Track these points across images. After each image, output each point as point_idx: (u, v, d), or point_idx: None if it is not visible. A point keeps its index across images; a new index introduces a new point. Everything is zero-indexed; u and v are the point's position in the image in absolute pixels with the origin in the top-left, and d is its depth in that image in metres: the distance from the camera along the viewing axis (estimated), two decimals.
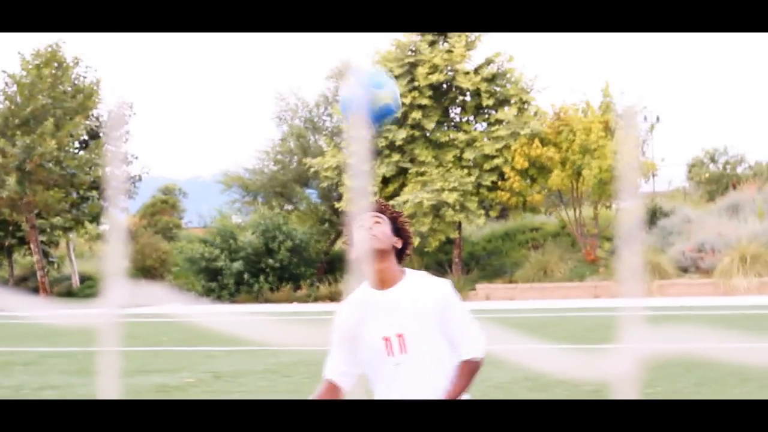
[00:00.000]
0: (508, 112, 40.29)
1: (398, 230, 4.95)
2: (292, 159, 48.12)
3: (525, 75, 41.16)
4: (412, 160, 40.78)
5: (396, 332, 4.81)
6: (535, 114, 40.82)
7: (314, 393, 4.98)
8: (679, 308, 27.75)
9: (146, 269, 46.41)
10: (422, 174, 40.20)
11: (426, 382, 4.83)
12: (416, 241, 39.80)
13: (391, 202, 40.18)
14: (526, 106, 41.04)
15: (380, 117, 4.91)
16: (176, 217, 61.75)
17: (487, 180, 40.03)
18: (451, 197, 38.93)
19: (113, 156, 0.90)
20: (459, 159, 40.56)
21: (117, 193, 1.06)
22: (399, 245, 4.94)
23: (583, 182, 38.87)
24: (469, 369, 4.96)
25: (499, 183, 40.30)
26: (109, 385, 1.05)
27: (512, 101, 40.78)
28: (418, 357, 4.83)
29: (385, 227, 4.86)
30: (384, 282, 4.88)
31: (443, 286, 5.02)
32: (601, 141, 38.34)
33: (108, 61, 1.12)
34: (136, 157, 48.79)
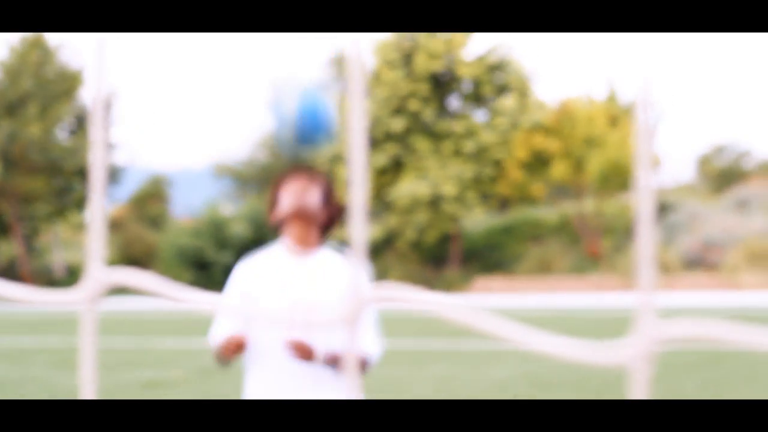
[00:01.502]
0: (508, 102, 40.26)
1: (328, 201, 4.71)
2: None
3: (526, 65, 41.16)
4: (409, 151, 40.75)
5: (301, 303, 4.55)
6: (536, 105, 40.84)
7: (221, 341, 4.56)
8: (684, 304, 27.77)
9: (133, 260, 46.40)
10: (419, 165, 40.18)
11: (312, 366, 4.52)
12: (414, 234, 39.75)
13: (386, 195, 40.14)
14: (527, 96, 41.04)
15: (309, 132, 4.58)
16: (164, 208, 61.70)
17: (487, 172, 40.01)
18: (449, 189, 38.91)
19: (96, 142, 0.88)
20: (458, 150, 40.54)
21: (99, 180, 1.03)
22: (325, 216, 4.70)
23: (585, 174, 38.87)
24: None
25: (499, 175, 40.29)
26: (87, 378, 1.01)
27: (513, 91, 40.77)
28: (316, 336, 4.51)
29: (315, 194, 4.63)
30: (301, 249, 4.66)
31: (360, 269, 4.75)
32: (604, 132, 38.34)
33: (92, 46, 1.09)
34: (123, 146, 48.80)
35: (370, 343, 4.64)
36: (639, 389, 0.82)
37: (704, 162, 57.57)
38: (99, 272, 1.06)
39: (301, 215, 4.62)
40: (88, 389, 1.01)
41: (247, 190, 50.15)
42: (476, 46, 41.21)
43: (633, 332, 0.84)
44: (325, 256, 4.71)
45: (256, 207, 43.27)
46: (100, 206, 1.04)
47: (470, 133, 40.19)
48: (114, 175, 47.40)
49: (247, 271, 4.73)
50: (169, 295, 1.02)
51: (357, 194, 0.95)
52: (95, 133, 1.06)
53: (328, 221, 4.73)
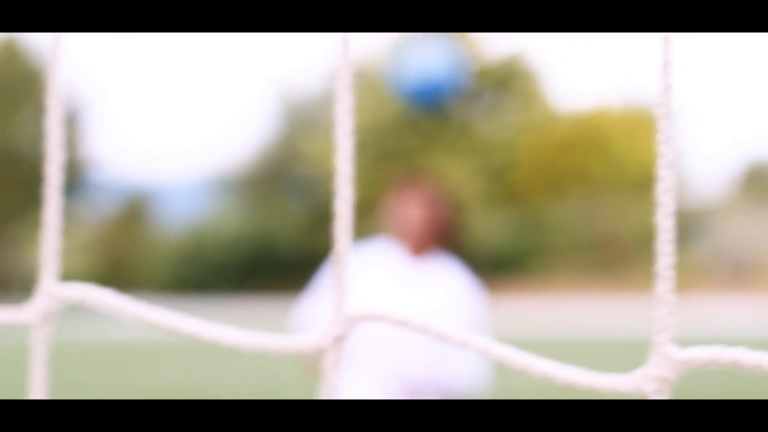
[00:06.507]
0: (524, 112, 40.51)
1: (440, 215, 4.88)
2: (278, 153, 48.22)
3: (543, 75, 41.41)
4: (419, 160, 41.04)
5: (419, 309, 4.58)
6: (548, 116, 41.14)
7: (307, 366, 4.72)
8: (707, 320, 27.89)
9: (117, 274, 46.52)
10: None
11: (414, 376, 4.61)
12: None
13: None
14: (543, 106, 41.31)
15: (426, 93, 4.94)
16: (150, 221, 61.76)
17: (502, 180, 40.24)
18: (460, 198, 39.20)
19: (51, 140, 0.85)
20: (473, 157, 40.78)
21: (55, 184, 1.01)
22: (438, 229, 4.86)
23: (605, 184, 39.15)
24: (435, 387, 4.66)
25: (514, 183, 40.54)
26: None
27: (523, 102, 41.03)
28: (424, 347, 4.56)
29: (438, 211, 4.83)
30: (414, 257, 4.82)
31: (473, 280, 4.96)
32: (625, 143, 38.63)
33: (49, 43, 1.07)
34: (101, 160, 49.30)
35: (459, 367, 4.65)
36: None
37: (747, 177, 57.47)
38: (52, 286, 1.03)
39: (414, 235, 4.77)
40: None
41: (241, 206, 50.20)
42: (490, 55, 41.26)
43: (651, 355, 0.82)
44: (439, 264, 4.85)
45: (247, 225, 43.26)
46: (54, 210, 1.01)
47: (484, 141, 40.34)
48: (91, 190, 47.63)
49: (366, 258, 4.81)
50: (135, 313, 0.98)
51: (343, 202, 0.93)
52: (51, 131, 1.03)
53: (442, 232, 4.87)
